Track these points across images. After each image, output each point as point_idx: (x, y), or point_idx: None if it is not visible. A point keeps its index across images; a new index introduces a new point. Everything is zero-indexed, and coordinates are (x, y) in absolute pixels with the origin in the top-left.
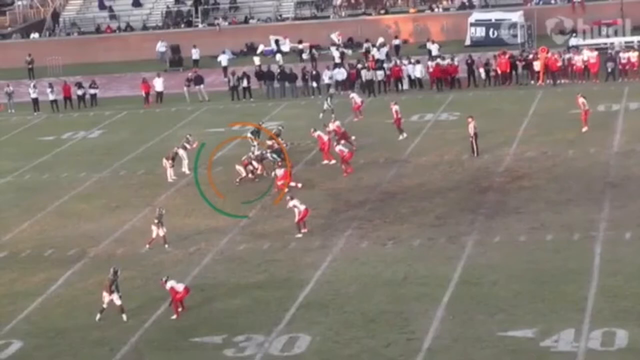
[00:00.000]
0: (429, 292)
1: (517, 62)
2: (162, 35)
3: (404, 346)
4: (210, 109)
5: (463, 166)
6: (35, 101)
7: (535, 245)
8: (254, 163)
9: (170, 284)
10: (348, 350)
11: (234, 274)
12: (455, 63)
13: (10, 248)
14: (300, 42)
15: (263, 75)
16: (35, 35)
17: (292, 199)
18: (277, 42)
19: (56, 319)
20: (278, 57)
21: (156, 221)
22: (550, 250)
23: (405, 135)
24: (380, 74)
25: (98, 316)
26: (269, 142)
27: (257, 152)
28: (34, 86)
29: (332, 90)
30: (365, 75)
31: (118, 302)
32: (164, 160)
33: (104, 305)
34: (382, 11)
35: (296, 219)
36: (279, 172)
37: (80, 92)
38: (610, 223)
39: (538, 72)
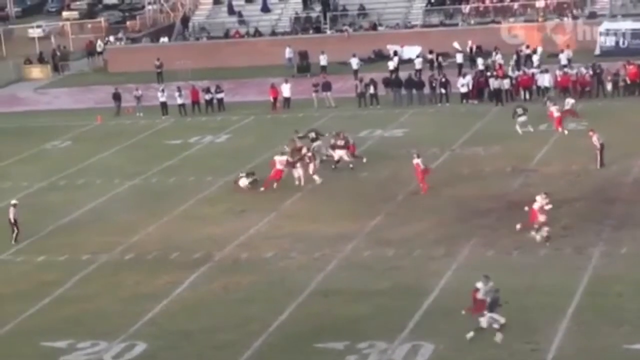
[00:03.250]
0: (554, 302)
1: None
2: (290, 41)
3: (528, 356)
4: (337, 115)
5: (590, 176)
6: (164, 105)
7: None
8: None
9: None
10: (472, 359)
11: (358, 280)
12: (590, 72)
13: (137, 250)
14: (431, 51)
15: (391, 82)
16: (164, 40)
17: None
18: (395, 52)
19: (180, 322)
20: (417, 61)
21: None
22: None
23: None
24: (506, 83)
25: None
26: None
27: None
28: (163, 90)
29: (519, 110)
30: (493, 83)
31: (500, 320)
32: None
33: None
34: (511, 19)
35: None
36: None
37: (207, 97)
38: None
39: None
